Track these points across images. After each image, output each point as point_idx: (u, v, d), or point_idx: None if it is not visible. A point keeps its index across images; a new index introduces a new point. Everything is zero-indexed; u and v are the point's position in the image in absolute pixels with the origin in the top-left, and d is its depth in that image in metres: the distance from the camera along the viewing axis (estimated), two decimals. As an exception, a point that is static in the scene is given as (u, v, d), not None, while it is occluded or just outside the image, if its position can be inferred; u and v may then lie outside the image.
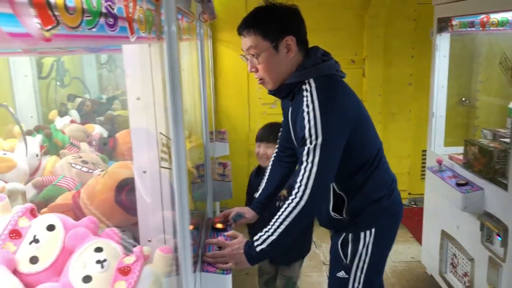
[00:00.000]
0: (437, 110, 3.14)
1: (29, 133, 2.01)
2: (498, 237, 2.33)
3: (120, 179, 1.52)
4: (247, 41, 1.68)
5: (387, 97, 4.61)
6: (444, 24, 2.94)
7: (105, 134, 2.50)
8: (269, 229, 1.63)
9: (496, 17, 2.48)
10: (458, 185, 2.59)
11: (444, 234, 2.99)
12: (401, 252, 3.85)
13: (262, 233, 1.64)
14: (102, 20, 0.65)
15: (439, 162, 2.94)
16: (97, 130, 2.47)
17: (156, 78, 1.24)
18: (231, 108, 4.63)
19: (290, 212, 1.59)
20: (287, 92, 1.75)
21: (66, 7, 0.52)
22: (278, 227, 1.60)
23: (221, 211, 4.54)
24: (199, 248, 1.84)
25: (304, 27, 1.75)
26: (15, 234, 1.29)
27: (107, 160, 2.09)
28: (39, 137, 2.01)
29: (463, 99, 3.52)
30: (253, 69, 1.75)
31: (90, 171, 1.83)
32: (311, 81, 1.64)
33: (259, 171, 2.70)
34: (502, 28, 2.47)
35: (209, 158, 2.78)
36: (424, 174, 3.81)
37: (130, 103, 1.25)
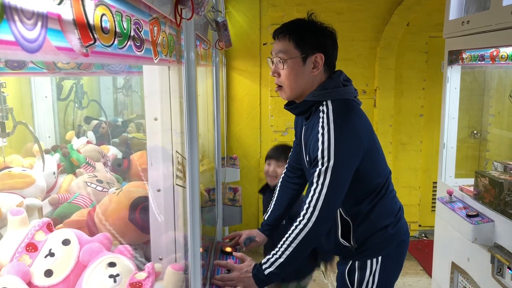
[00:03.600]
0: (448, 142, 3.16)
1: (47, 151, 2.07)
2: (509, 270, 2.30)
3: (134, 198, 1.55)
4: (279, 45, 1.71)
5: (398, 128, 4.65)
6: (455, 57, 2.99)
7: (120, 155, 2.55)
8: (277, 251, 1.63)
9: (505, 51, 2.52)
10: (469, 216, 2.58)
11: (455, 267, 2.96)
12: (411, 284, 3.80)
13: (270, 256, 1.65)
14: (130, 42, 0.70)
15: (450, 193, 2.94)
16: (112, 151, 2.53)
17: (173, 99, 1.29)
18: (243, 134, 4.69)
19: (298, 234, 1.59)
20: (303, 109, 1.75)
21: (102, 28, 0.58)
22: (286, 249, 1.60)
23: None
24: (208, 270, 1.86)
25: (336, 51, 1.77)
26: (32, 247, 1.33)
27: (121, 180, 2.13)
28: (56, 156, 2.07)
29: (474, 131, 3.54)
30: (275, 74, 1.75)
31: (105, 190, 1.88)
32: (329, 103, 1.66)
33: (266, 189, 2.73)
34: (511, 62, 2.51)
35: (220, 182, 2.82)
36: (434, 206, 3.79)
37: (148, 123, 1.30)
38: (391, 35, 4.44)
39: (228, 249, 2.05)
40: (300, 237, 1.59)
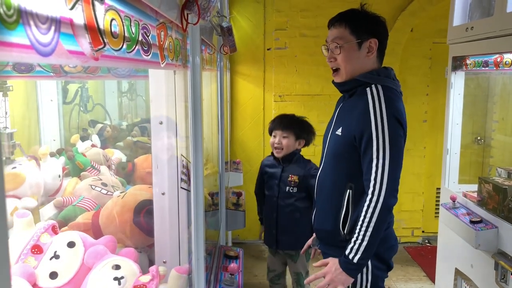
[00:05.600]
0: (452, 147, 3.16)
1: (52, 155, 2.08)
2: (513, 277, 2.30)
3: (138, 201, 1.56)
4: (335, 32, 1.81)
5: (401, 134, 4.64)
6: (458, 63, 2.99)
7: (124, 159, 2.57)
8: (357, 237, 1.66)
9: (509, 57, 2.53)
10: (472, 222, 2.58)
11: (458, 273, 2.95)
12: (414, 290, 3.79)
13: (351, 244, 1.67)
14: (138, 46, 0.71)
15: (453, 199, 2.93)
16: (117, 155, 2.54)
17: (179, 103, 1.30)
18: (246, 139, 4.70)
19: (372, 212, 1.63)
20: (350, 87, 1.83)
21: (111, 32, 0.59)
22: (366, 231, 1.64)
23: (233, 241, 4.53)
24: (211, 274, 1.86)
25: (386, 39, 1.88)
26: (37, 249, 1.34)
27: (126, 183, 2.15)
28: (61, 159, 2.08)
29: (478, 137, 3.54)
30: (331, 59, 1.83)
31: (109, 193, 1.89)
32: (379, 87, 1.74)
33: (275, 160, 2.71)
34: (515, 68, 2.51)
35: (224, 187, 2.83)
36: (438, 213, 3.78)
37: (153, 126, 1.31)
38: (395, 41, 4.44)
39: (231, 253, 2.06)
40: (375, 215, 1.62)
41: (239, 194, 3.29)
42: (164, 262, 1.40)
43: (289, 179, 2.59)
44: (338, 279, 1.67)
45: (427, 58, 4.59)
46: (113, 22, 0.60)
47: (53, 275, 1.26)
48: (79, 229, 1.47)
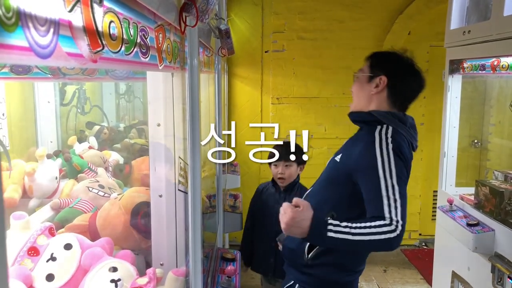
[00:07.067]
0: (449, 150, 3.16)
1: (49, 156, 2.08)
2: (510, 280, 2.30)
3: (135, 203, 1.56)
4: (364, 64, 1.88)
5: (398, 136, 4.65)
6: (456, 66, 3.01)
7: (121, 161, 2.56)
8: (352, 227, 1.51)
9: (506, 61, 2.54)
10: (469, 225, 2.58)
11: (455, 276, 2.95)
12: (411, 293, 3.79)
13: (342, 224, 1.51)
14: (137, 48, 0.71)
15: (450, 202, 2.94)
16: (114, 157, 2.54)
17: (176, 105, 1.30)
18: (244, 141, 4.69)
19: (384, 233, 1.51)
20: (361, 119, 1.82)
21: (110, 34, 0.59)
22: (362, 234, 1.51)
23: (230, 243, 4.53)
24: (208, 276, 1.86)
25: (403, 83, 1.84)
26: (33, 251, 1.33)
27: (123, 185, 2.14)
28: (58, 161, 2.07)
29: (475, 141, 3.55)
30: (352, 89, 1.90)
31: (106, 195, 1.88)
32: (390, 130, 1.69)
33: (274, 189, 2.62)
34: (512, 71, 2.52)
35: (221, 189, 2.83)
36: (435, 215, 3.78)
37: (151, 128, 1.31)
38: (392, 44, 4.44)
39: (229, 255, 2.06)
40: (383, 236, 1.51)
41: (236, 197, 3.29)
42: (161, 265, 1.40)
43: None
44: (295, 225, 1.48)
45: (424, 61, 4.60)
46: (112, 24, 0.60)
47: (50, 277, 1.26)
48: (76, 231, 1.47)
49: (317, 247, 1.69)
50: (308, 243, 1.70)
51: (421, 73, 1.91)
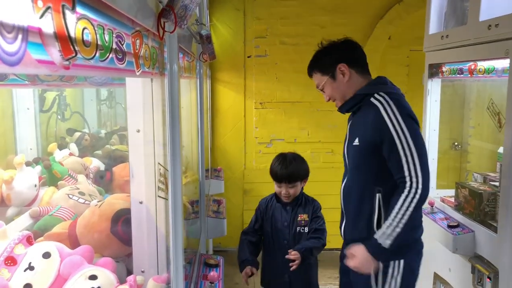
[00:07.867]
0: (430, 153, 3.20)
1: (29, 164, 2.04)
2: (489, 280, 2.33)
3: (116, 210, 1.55)
4: (314, 80, 2.03)
5: (380, 140, 4.69)
6: (435, 70, 3.05)
7: (102, 167, 2.53)
8: (391, 223, 1.73)
9: (483, 64, 2.59)
10: (450, 227, 2.62)
11: (437, 277, 2.99)
12: (395, 295, 3.81)
13: (384, 230, 1.74)
14: (112, 54, 0.71)
15: (431, 204, 2.97)
16: (95, 163, 2.51)
17: (156, 111, 1.29)
18: (228, 146, 4.70)
19: (411, 201, 1.71)
20: (354, 103, 1.94)
21: (83, 41, 0.58)
22: (402, 218, 1.71)
23: (214, 249, 4.51)
24: (191, 283, 1.85)
25: (357, 52, 2.00)
26: (10, 261, 1.31)
27: (104, 192, 2.12)
28: (38, 168, 2.04)
29: (455, 143, 3.60)
30: (327, 99, 2.04)
31: (87, 202, 1.86)
32: (383, 94, 1.84)
33: (279, 203, 2.54)
34: (488, 75, 2.57)
35: (204, 194, 2.82)
36: (417, 217, 3.82)
37: (131, 134, 1.30)
38: (373, 49, 4.51)
39: (212, 261, 2.05)
40: (412, 205, 1.72)
41: (220, 202, 3.29)
42: (142, 272, 1.38)
43: (299, 218, 2.47)
44: (365, 263, 1.77)
45: (404, 65, 4.67)
46: (85, 31, 0.60)
47: (28, 287, 1.24)
48: (56, 240, 1.45)
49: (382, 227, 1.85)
50: (376, 227, 1.88)
51: (351, 38, 2.04)
